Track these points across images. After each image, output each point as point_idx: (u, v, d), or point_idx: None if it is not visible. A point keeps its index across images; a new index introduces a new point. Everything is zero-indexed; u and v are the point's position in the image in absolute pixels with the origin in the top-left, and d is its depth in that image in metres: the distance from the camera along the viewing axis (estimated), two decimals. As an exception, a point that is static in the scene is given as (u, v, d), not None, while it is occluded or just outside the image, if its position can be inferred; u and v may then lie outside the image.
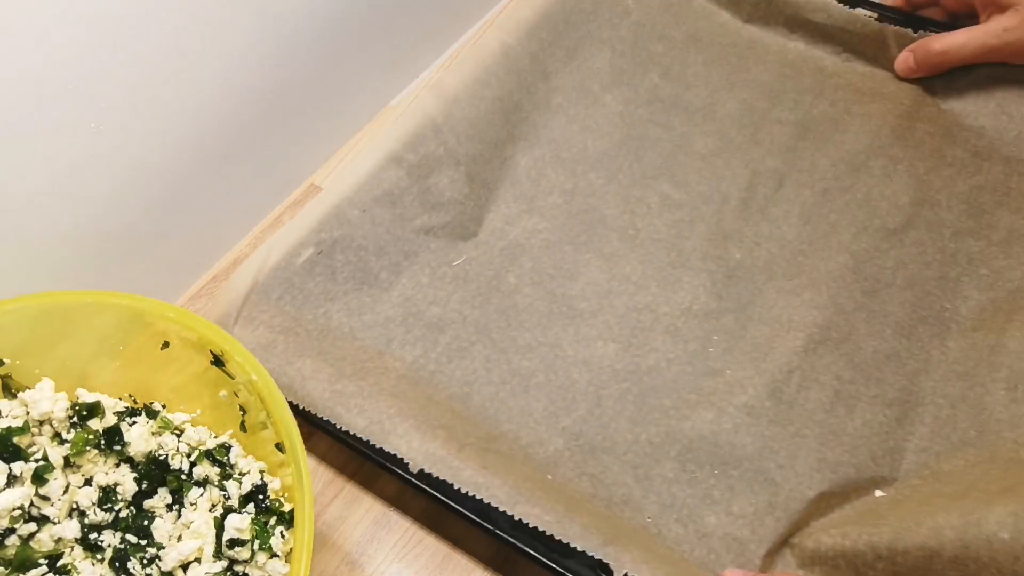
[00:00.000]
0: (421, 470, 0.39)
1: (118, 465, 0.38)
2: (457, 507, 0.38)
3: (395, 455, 0.39)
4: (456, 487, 0.38)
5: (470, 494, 0.38)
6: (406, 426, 0.40)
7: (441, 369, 0.44)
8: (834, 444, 0.42)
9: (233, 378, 0.38)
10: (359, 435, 0.40)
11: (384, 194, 0.48)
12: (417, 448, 0.39)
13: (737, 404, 0.43)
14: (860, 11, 0.57)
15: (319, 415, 0.41)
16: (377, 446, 0.39)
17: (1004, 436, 0.41)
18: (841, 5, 0.57)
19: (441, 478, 0.38)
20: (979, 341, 0.44)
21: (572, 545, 0.37)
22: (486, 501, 0.38)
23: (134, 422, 0.39)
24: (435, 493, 0.38)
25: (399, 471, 0.39)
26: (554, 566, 0.36)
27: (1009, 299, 0.46)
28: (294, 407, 0.41)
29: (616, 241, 0.50)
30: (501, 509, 0.37)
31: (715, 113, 0.56)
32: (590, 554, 0.36)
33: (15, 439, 0.36)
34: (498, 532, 0.37)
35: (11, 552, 0.35)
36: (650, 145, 0.54)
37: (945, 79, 0.55)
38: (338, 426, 0.40)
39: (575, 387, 0.44)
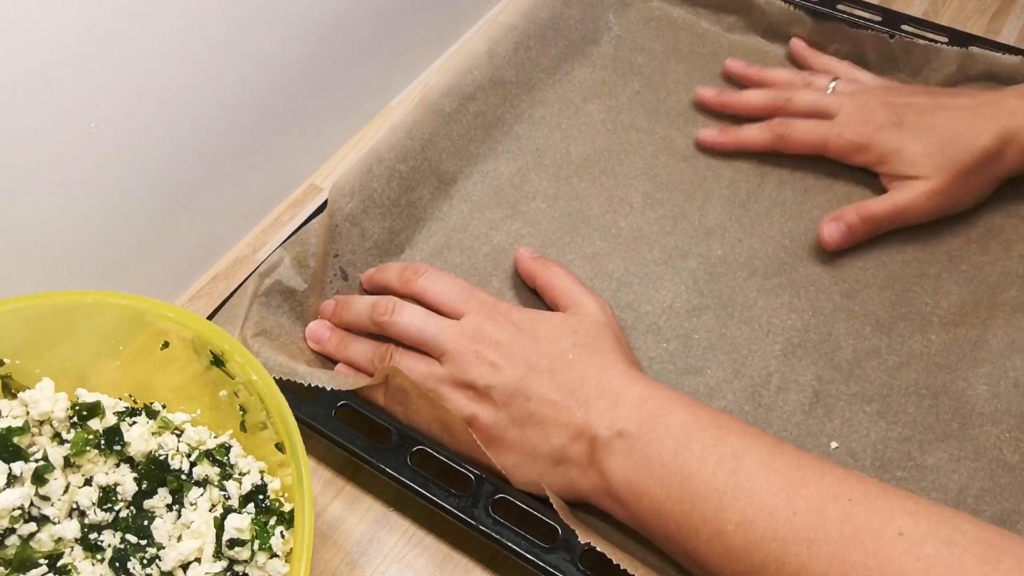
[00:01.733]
0: (401, 431, 0.40)
1: (118, 465, 0.38)
2: (444, 504, 0.38)
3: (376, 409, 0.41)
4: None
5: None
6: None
7: None
8: (812, 445, 0.42)
9: (233, 378, 0.38)
10: (337, 388, 0.41)
11: (374, 205, 0.49)
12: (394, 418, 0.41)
13: (717, 407, 0.43)
14: (836, 21, 0.59)
15: (297, 380, 0.41)
16: (350, 390, 0.41)
17: (987, 431, 0.41)
18: (818, 17, 0.59)
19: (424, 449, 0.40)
20: (961, 336, 0.45)
21: (537, 515, 0.37)
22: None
23: (134, 422, 0.39)
24: (426, 494, 0.39)
25: (393, 473, 0.39)
26: (535, 560, 0.37)
27: (989, 293, 0.47)
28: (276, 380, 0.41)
29: (599, 241, 0.51)
30: (475, 474, 0.39)
31: (696, 116, 0.57)
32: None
33: (15, 439, 0.36)
34: (481, 528, 0.38)
35: (11, 552, 0.35)
36: (632, 148, 0.55)
37: (921, 85, 0.57)
38: (322, 386, 0.41)
39: None
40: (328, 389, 0.41)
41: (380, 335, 0.44)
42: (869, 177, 0.53)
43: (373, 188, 0.49)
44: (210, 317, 0.45)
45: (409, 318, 0.42)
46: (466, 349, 0.40)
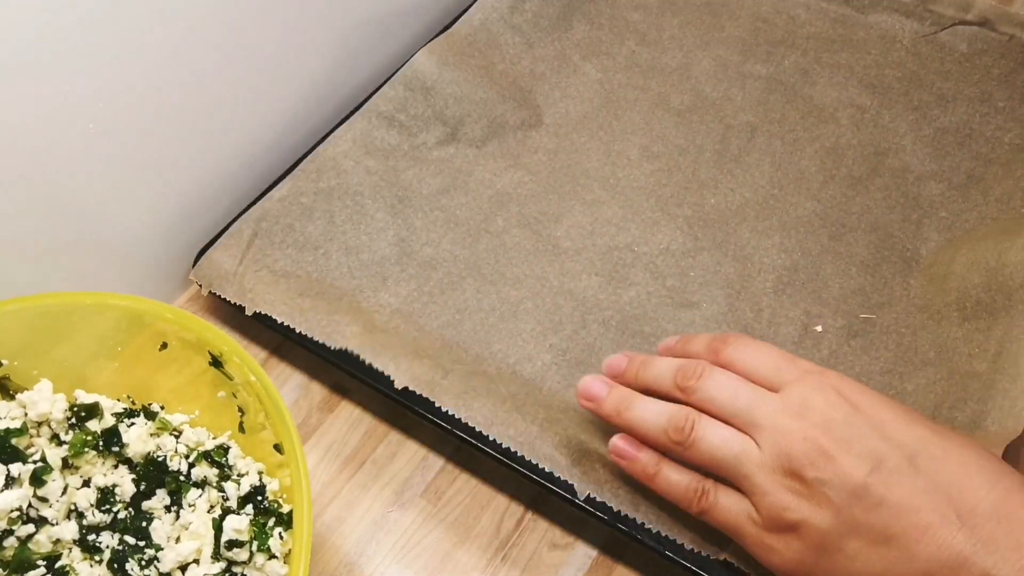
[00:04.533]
0: (405, 387, 0.42)
1: (116, 466, 0.38)
2: (461, 431, 0.41)
3: (382, 372, 0.42)
4: (437, 406, 0.41)
5: (451, 413, 0.41)
6: (395, 352, 0.43)
7: (434, 300, 0.47)
8: None
9: (232, 379, 0.38)
10: (352, 351, 0.43)
11: (376, 149, 0.53)
12: (404, 369, 0.42)
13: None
14: None
15: (315, 338, 0.44)
16: (367, 362, 0.43)
17: (959, 352, 0.43)
18: None
19: (423, 395, 0.41)
20: (934, 275, 0.47)
21: (540, 466, 0.39)
22: (464, 421, 0.41)
23: (132, 423, 0.39)
24: (424, 413, 0.41)
25: (384, 390, 0.42)
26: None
27: (963, 237, 0.49)
28: (290, 330, 0.44)
29: (598, 189, 0.53)
30: (478, 430, 0.40)
31: (690, 72, 0.59)
32: (556, 475, 0.39)
33: (13, 440, 0.36)
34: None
35: (9, 554, 0.35)
36: (628, 106, 0.58)
37: (914, 27, 0.59)
38: (331, 346, 0.43)
39: (561, 312, 0.47)
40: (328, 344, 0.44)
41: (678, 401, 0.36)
42: (856, 128, 0.55)
43: (374, 136, 0.53)
44: (201, 253, 0.48)
45: (718, 383, 0.34)
46: (788, 427, 0.32)
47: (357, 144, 0.52)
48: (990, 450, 0.32)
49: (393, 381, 0.42)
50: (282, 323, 0.44)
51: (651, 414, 0.36)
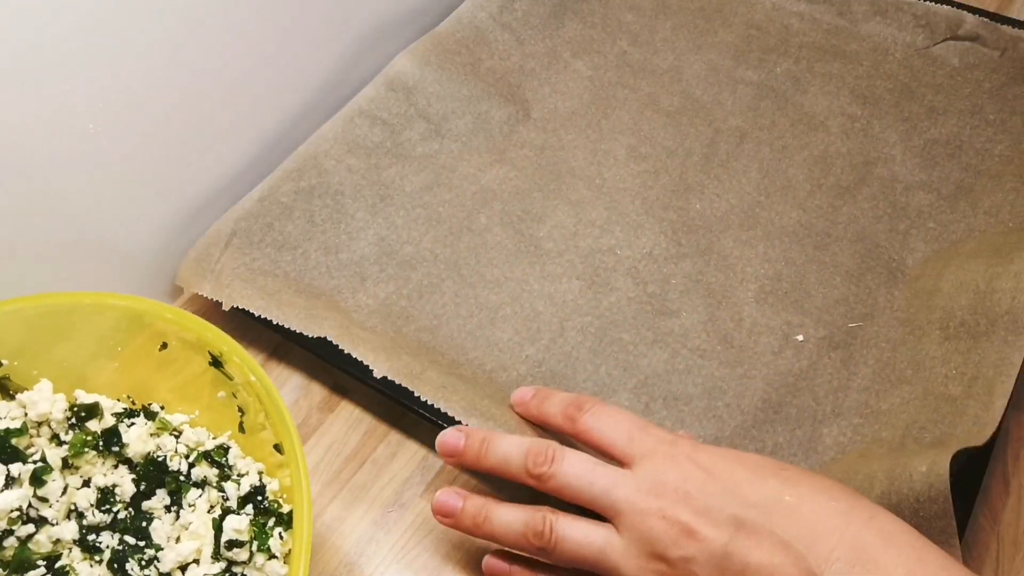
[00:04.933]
0: (384, 377, 0.42)
1: (116, 466, 0.38)
2: (426, 414, 0.41)
3: (361, 361, 0.42)
4: (416, 395, 0.41)
5: (429, 402, 0.41)
6: (373, 345, 0.43)
7: (412, 304, 0.47)
8: (779, 385, 0.44)
9: (232, 379, 0.38)
10: (331, 340, 0.43)
11: (358, 147, 0.52)
12: (383, 362, 0.42)
13: (690, 347, 0.45)
14: None
15: (292, 328, 0.43)
16: (345, 351, 0.42)
17: (936, 372, 0.43)
18: None
19: (403, 386, 0.41)
20: (920, 288, 0.47)
21: None
22: (443, 411, 0.40)
23: (132, 423, 0.39)
24: (423, 413, 0.41)
25: (384, 391, 0.42)
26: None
27: (951, 249, 0.48)
28: (268, 322, 0.44)
29: (583, 189, 0.53)
30: (457, 419, 0.40)
31: (681, 74, 0.59)
32: None
33: (13, 440, 0.36)
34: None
35: (9, 554, 0.35)
36: (618, 104, 0.57)
37: (907, 40, 0.59)
38: (310, 335, 0.43)
39: (540, 319, 0.47)
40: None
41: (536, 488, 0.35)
42: (845, 137, 0.55)
43: (356, 134, 0.52)
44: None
45: (572, 469, 0.34)
46: (647, 508, 0.32)
47: (339, 142, 0.52)
48: (843, 486, 0.32)
49: (372, 371, 0.42)
50: (260, 316, 0.44)
51: (508, 521, 0.35)
